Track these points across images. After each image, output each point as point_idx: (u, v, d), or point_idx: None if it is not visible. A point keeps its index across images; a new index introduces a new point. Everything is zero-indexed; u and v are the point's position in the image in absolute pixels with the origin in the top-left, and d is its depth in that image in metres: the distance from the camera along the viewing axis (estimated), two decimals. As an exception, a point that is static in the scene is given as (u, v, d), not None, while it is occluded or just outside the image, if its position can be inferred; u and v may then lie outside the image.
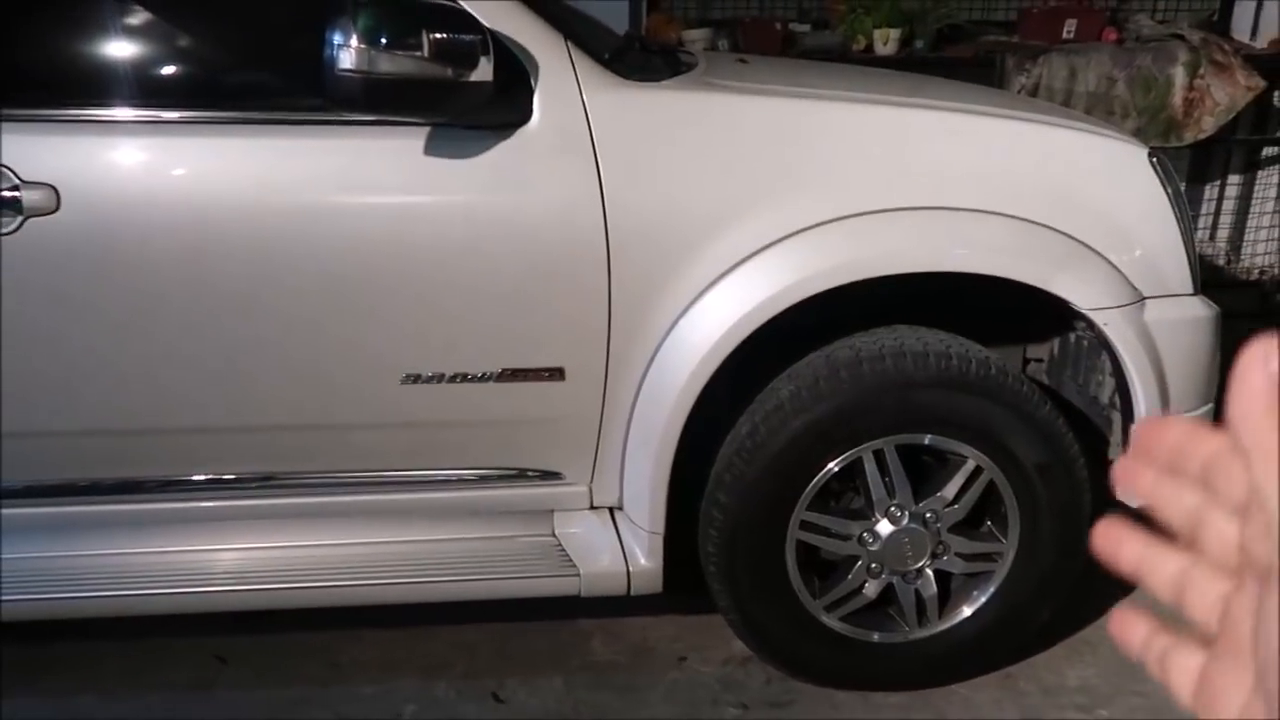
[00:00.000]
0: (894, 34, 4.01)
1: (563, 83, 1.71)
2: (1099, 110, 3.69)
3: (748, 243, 1.76)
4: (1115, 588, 2.37)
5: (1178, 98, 3.71)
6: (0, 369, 1.69)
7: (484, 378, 1.77)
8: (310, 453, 1.85)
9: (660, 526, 1.87)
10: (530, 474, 1.89)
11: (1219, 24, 4.18)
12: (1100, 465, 2.02)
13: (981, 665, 2.08)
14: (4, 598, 1.80)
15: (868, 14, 4.00)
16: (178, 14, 1.76)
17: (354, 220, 1.70)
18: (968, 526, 1.96)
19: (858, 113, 1.92)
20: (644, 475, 1.85)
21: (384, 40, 1.50)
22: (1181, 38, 3.77)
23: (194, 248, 1.68)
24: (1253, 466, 0.33)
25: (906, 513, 1.91)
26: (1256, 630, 0.33)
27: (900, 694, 2.04)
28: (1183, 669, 0.37)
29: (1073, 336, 2.08)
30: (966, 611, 2.00)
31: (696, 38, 4.00)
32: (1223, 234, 4.34)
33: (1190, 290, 1.96)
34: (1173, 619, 0.39)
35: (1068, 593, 2.01)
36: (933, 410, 1.86)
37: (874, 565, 1.94)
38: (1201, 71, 3.68)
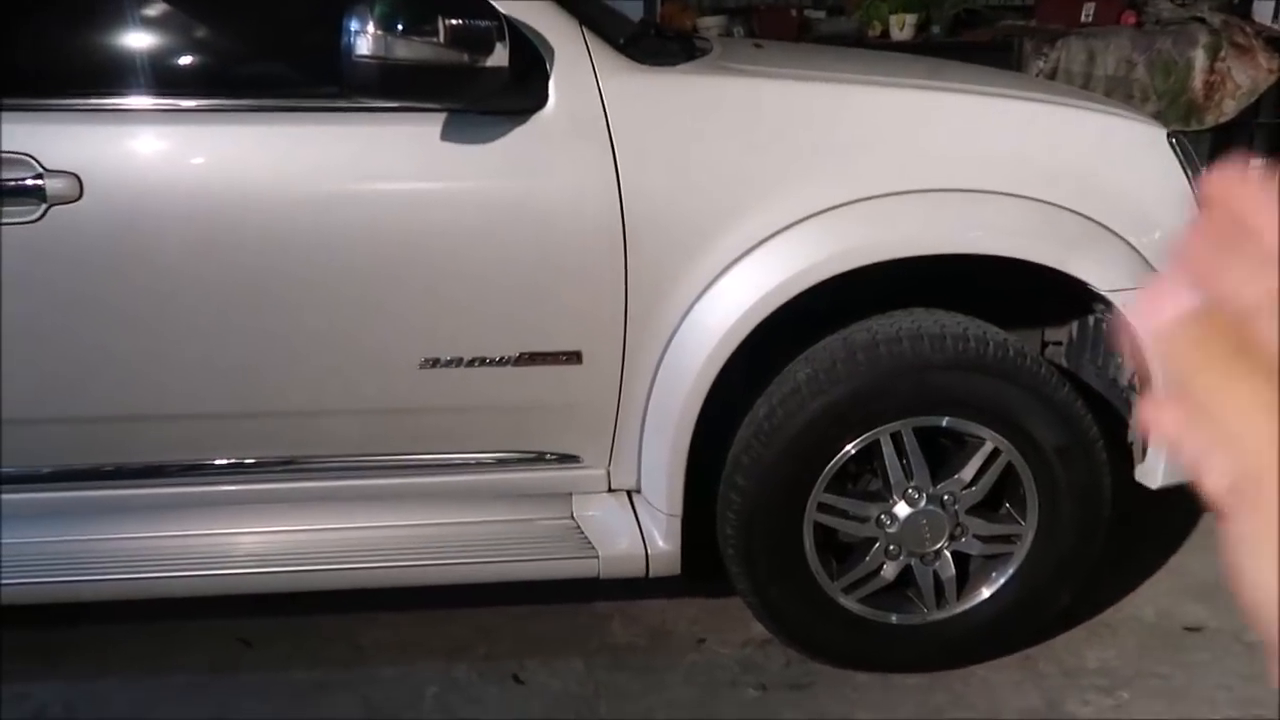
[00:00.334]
0: (910, 19, 4.00)
1: (578, 68, 1.72)
2: (1118, 94, 3.67)
3: (764, 226, 1.76)
4: (1134, 571, 2.36)
5: (1198, 81, 3.68)
6: (26, 356, 1.72)
7: (502, 361, 1.78)
8: (330, 437, 1.86)
9: (678, 509, 1.88)
10: (548, 457, 1.90)
11: (1240, 6, 4.14)
12: (1119, 447, 2.02)
13: (1000, 647, 2.07)
14: (31, 581, 1.83)
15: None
16: (197, 3, 1.77)
17: (372, 206, 1.72)
18: (986, 508, 1.96)
19: (873, 96, 1.92)
20: (662, 458, 1.86)
21: (400, 26, 1.51)
22: (1202, 20, 3.74)
23: (213, 235, 1.70)
24: None
25: (924, 495, 1.91)
26: None
27: (919, 675, 2.05)
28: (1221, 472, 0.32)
29: (1091, 319, 2.07)
30: (985, 593, 2.00)
31: (711, 24, 4.00)
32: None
33: (1210, 271, 1.94)
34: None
35: (1087, 575, 2.01)
36: (950, 392, 1.86)
37: (892, 547, 1.94)
38: (1222, 54, 3.65)
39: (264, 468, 1.87)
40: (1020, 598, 1.99)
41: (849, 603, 1.97)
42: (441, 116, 1.68)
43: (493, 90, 1.61)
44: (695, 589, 2.19)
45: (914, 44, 3.95)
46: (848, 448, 1.86)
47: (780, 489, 1.87)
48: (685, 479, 1.86)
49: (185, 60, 1.81)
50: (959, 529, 1.95)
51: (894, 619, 2.00)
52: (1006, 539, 1.97)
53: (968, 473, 1.90)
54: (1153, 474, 1.96)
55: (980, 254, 1.83)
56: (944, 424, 1.88)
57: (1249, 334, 0.31)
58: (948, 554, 1.96)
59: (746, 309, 1.77)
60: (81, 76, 1.70)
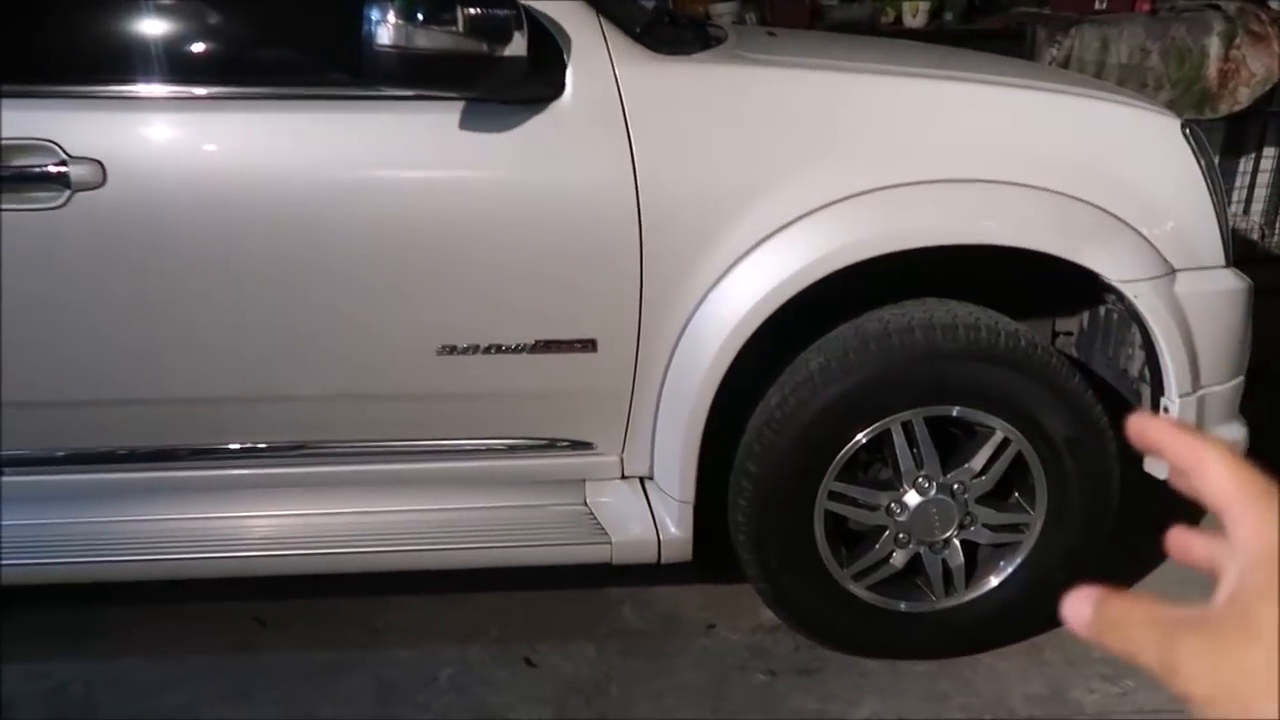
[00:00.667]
0: (923, 6, 3.99)
1: (595, 57, 1.73)
2: (1132, 82, 3.65)
3: (779, 215, 1.77)
4: (1143, 560, 2.36)
5: (1212, 69, 3.66)
6: (50, 341, 1.74)
7: (518, 349, 1.80)
8: (347, 422, 1.89)
9: (690, 496, 1.90)
10: (562, 444, 1.92)
11: (1256, -7, 4.11)
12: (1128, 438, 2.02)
13: (1008, 635, 2.10)
14: (48, 561, 1.86)
15: (897, -14, 3.98)
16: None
17: (391, 194, 1.73)
18: (995, 498, 1.98)
19: (887, 85, 1.92)
20: (675, 445, 1.88)
21: (420, 16, 1.52)
22: (1217, 8, 3.72)
23: (234, 221, 1.71)
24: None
25: (934, 484, 1.93)
26: None
27: (927, 662, 2.07)
28: None
29: (1102, 309, 2.08)
30: (993, 582, 2.02)
31: (724, 11, 4.00)
32: (1257, 208, 4.28)
33: (1222, 263, 1.95)
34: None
35: (1095, 564, 2.02)
36: (961, 382, 1.87)
37: (901, 535, 1.96)
38: (1237, 42, 3.63)
39: (281, 451, 1.89)
40: (1028, 586, 2.01)
41: (858, 590, 1.99)
42: (460, 105, 1.69)
43: (511, 79, 1.62)
44: (706, 575, 2.21)
45: (927, 31, 3.94)
46: (859, 436, 1.87)
47: (792, 477, 1.89)
48: (698, 466, 1.88)
49: (208, 48, 1.82)
50: (968, 518, 1.96)
51: (903, 606, 2.02)
52: (1015, 528, 1.99)
53: (978, 462, 1.92)
54: (1161, 465, 1.97)
55: (993, 245, 1.84)
56: (955, 413, 1.89)
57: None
58: (957, 542, 1.98)
59: (760, 298, 1.78)
60: (107, 64, 1.72)
